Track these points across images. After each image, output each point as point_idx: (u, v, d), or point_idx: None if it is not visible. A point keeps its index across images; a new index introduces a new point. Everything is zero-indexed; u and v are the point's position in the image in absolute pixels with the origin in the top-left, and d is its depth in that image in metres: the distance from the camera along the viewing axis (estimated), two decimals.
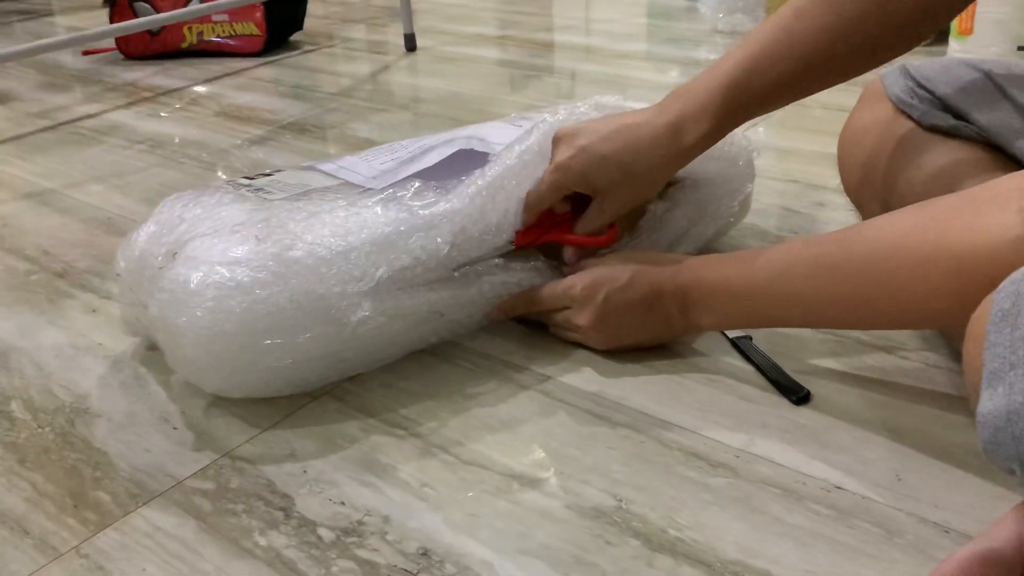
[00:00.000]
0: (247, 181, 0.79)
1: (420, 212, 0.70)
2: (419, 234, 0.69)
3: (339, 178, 0.80)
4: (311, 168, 0.83)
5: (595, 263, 0.74)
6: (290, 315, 0.64)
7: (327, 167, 0.82)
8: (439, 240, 0.69)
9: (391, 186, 0.74)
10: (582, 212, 0.75)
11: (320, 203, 0.72)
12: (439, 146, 0.84)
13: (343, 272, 0.66)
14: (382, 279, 0.67)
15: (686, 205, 0.82)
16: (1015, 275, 0.38)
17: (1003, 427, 0.36)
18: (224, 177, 1.19)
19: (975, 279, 0.50)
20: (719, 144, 0.74)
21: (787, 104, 0.71)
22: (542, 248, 0.77)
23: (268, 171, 0.83)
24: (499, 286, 0.75)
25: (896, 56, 0.67)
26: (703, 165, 0.80)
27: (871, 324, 0.63)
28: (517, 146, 0.75)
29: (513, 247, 0.74)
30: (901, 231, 0.55)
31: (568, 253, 0.76)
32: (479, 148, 0.83)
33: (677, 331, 0.72)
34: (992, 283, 0.42)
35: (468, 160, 0.79)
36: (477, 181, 0.73)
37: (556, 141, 0.73)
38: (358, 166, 0.82)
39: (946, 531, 0.54)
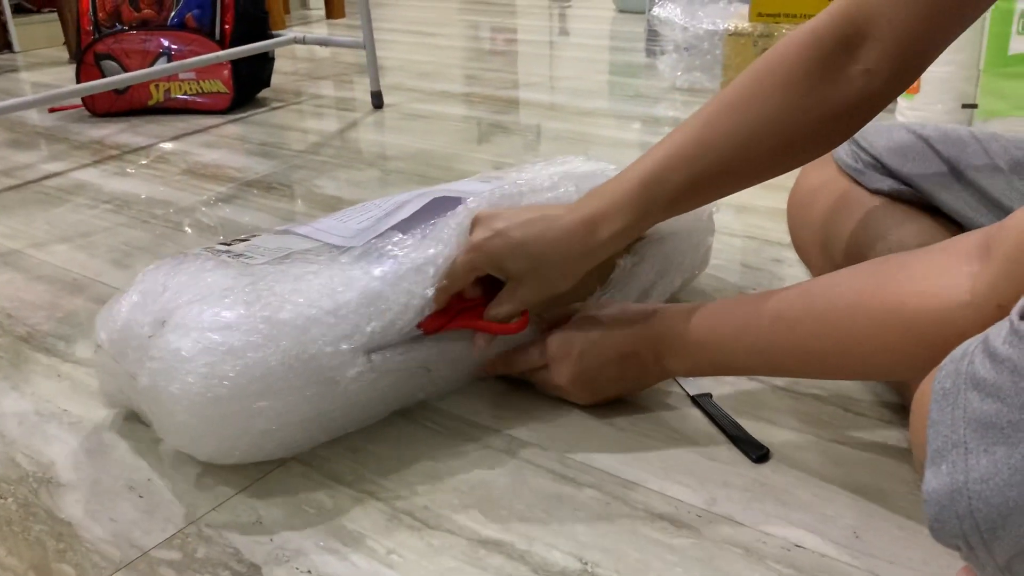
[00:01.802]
0: (224, 247, 0.80)
1: (403, 259, 0.72)
2: (404, 282, 0.70)
3: (317, 240, 0.81)
4: (287, 232, 0.84)
5: (567, 316, 0.76)
6: (283, 376, 0.64)
7: (303, 230, 0.83)
8: (425, 284, 0.70)
9: (372, 240, 0.76)
10: (491, 299, 0.74)
11: (304, 265, 0.73)
12: (412, 199, 0.86)
13: (333, 330, 0.67)
14: (373, 333, 0.68)
15: (653, 258, 0.86)
16: (955, 353, 0.39)
17: (947, 506, 0.37)
18: (189, 231, 1.20)
19: (926, 340, 0.52)
20: None
21: (706, 203, 0.73)
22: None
23: (244, 236, 0.84)
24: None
25: (815, 157, 0.69)
26: (668, 222, 0.81)
27: (829, 375, 0.65)
28: (495, 189, 0.78)
29: (421, 332, 0.72)
30: (858, 289, 0.58)
31: (479, 340, 0.75)
32: (452, 195, 0.84)
33: (653, 378, 0.75)
34: (943, 344, 0.44)
35: (442, 206, 0.80)
36: (451, 222, 0.74)
37: (475, 222, 0.73)
38: (335, 227, 0.83)
39: None
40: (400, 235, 0.75)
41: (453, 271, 0.72)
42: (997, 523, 0.35)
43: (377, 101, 1.89)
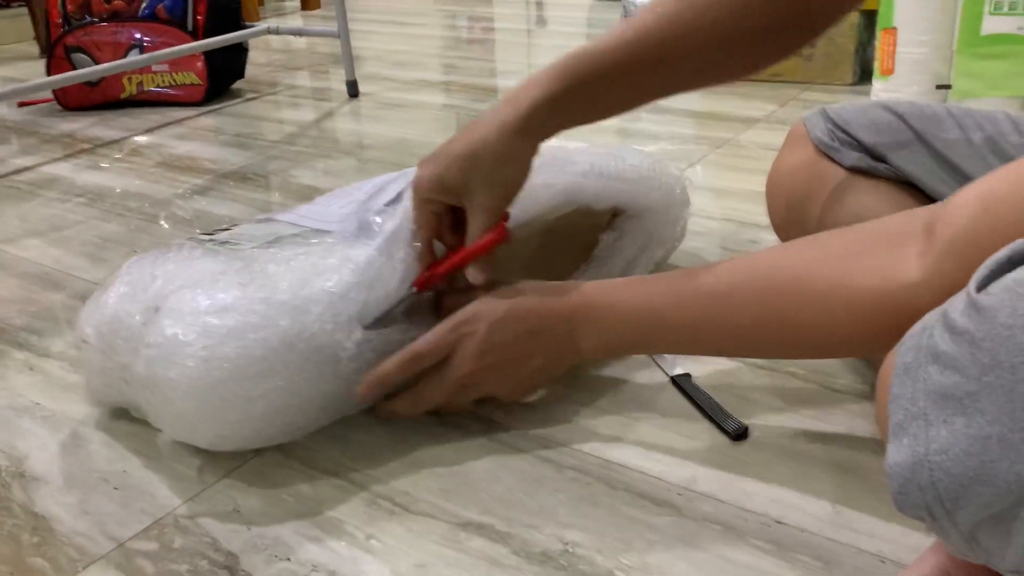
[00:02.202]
0: (207, 237, 0.79)
1: (392, 232, 0.71)
2: (398, 252, 0.69)
3: (301, 225, 0.80)
4: (269, 220, 0.83)
5: (465, 300, 0.69)
6: (284, 357, 0.63)
7: (286, 217, 0.82)
8: (410, 248, 0.70)
9: (359, 222, 0.75)
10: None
11: (294, 248, 0.72)
12: (394, 180, 0.85)
13: (331, 308, 0.66)
14: (368, 305, 0.67)
15: (634, 233, 0.88)
16: (915, 328, 0.40)
17: (910, 478, 0.37)
18: (165, 224, 1.18)
19: (873, 318, 0.53)
20: (656, 177, 0.79)
21: (640, 99, 0.69)
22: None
23: (225, 226, 0.83)
24: None
25: (757, 66, 0.66)
26: (645, 196, 0.86)
27: (765, 353, 0.64)
28: None
29: (416, 292, 0.71)
30: (800, 265, 0.57)
31: (472, 272, 0.70)
32: None
33: (567, 356, 0.69)
34: (890, 322, 0.44)
35: None
36: None
37: (419, 162, 0.71)
38: (318, 213, 0.82)
39: (881, 560, 0.55)
40: (386, 210, 0.75)
41: (414, 218, 0.70)
42: (958, 493, 0.35)
43: (353, 90, 1.88)
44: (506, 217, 0.71)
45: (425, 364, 0.68)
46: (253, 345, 0.62)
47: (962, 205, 0.49)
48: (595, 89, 0.67)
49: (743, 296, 0.59)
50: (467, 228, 0.70)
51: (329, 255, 0.70)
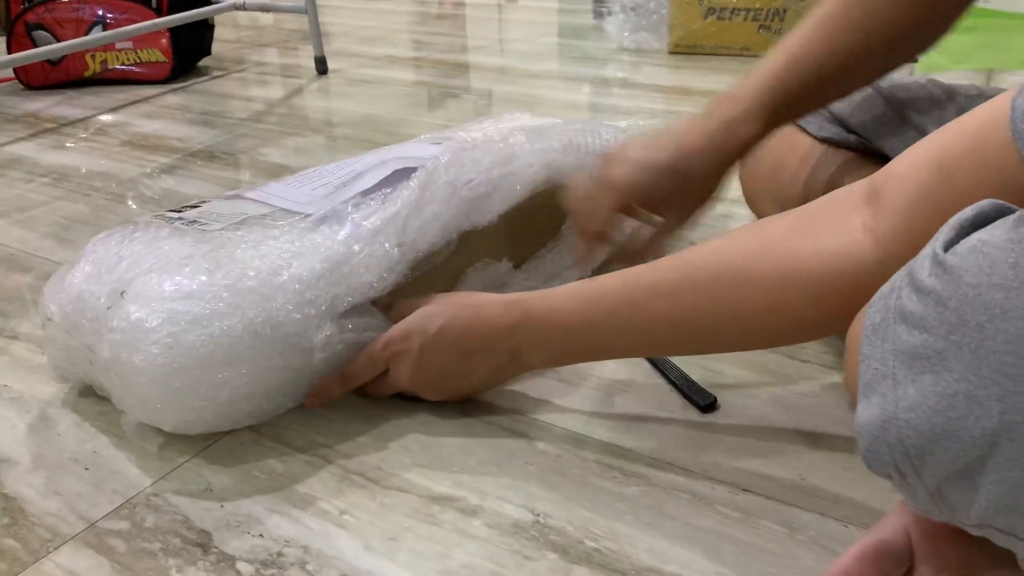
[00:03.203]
0: (175, 214, 0.78)
1: (364, 224, 0.71)
2: (369, 246, 0.69)
3: (272, 205, 0.79)
4: (238, 197, 0.82)
5: (414, 307, 0.69)
6: (249, 345, 0.63)
7: (254, 194, 0.82)
8: (386, 245, 0.70)
9: (332, 206, 0.74)
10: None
11: (263, 230, 0.72)
12: (371, 169, 0.84)
13: (299, 296, 0.66)
14: (337, 299, 0.67)
15: None
16: (884, 289, 0.40)
17: (879, 436, 0.38)
18: (132, 204, 1.17)
19: (832, 301, 0.52)
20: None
21: (836, 99, 0.74)
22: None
23: (194, 203, 0.82)
24: None
25: (929, 45, 0.69)
26: None
27: (720, 348, 0.62)
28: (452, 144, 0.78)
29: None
30: (746, 255, 0.56)
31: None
32: (412, 164, 0.83)
33: (509, 374, 0.69)
34: (852, 302, 0.44)
35: (404, 177, 0.80)
36: (411, 183, 0.74)
37: (608, 161, 0.74)
38: (288, 192, 0.81)
39: (845, 526, 0.57)
40: (360, 199, 0.74)
41: (599, 217, 0.73)
42: (926, 449, 0.36)
43: (321, 67, 1.86)
44: None
45: (358, 384, 0.70)
46: (218, 333, 0.62)
47: (915, 167, 0.48)
48: (799, 112, 0.72)
49: (691, 294, 0.57)
50: (655, 234, 0.75)
51: (298, 240, 0.70)
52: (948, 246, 0.38)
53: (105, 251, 0.70)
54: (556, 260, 0.88)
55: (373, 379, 0.70)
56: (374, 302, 0.70)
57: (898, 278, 0.39)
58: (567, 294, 0.64)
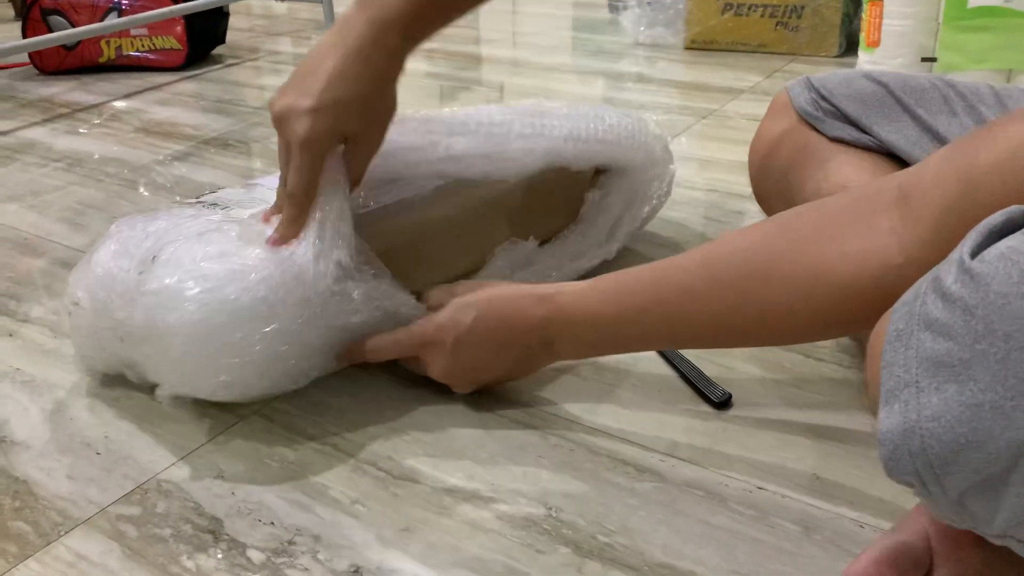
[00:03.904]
0: (193, 200, 0.78)
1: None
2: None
3: None
4: (257, 185, 0.82)
5: (447, 296, 0.69)
6: (282, 299, 0.62)
7: (269, 181, 0.81)
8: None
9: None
10: None
11: None
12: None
13: (326, 258, 0.65)
14: (364, 258, 0.67)
15: (619, 191, 0.90)
16: (907, 295, 0.40)
17: (900, 444, 0.37)
18: (144, 191, 1.17)
19: (858, 303, 0.52)
20: (636, 137, 0.84)
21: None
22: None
23: (210, 190, 0.82)
24: None
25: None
26: (626, 157, 0.88)
27: (746, 345, 0.63)
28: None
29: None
30: (773, 255, 0.56)
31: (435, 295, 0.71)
32: None
33: (541, 364, 0.69)
34: (877, 305, 0.44)
35: None
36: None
37: (278, 121, 0.67)
38: None
39: (861, 526, 0.56)
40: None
41: (314, 168, 0.66)
42: (949, 459, 0.36)
43: None
44: None
45: (382, 360, 0.70)
46: (252, 287, 0.62)
47: (943, 177, 0.49)
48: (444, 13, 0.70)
49: (721, 295, 0.57)
50: (353, 165, 0.69)
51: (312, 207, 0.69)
52: (975, 252, 0.37)
53: (130, 231, 0.70)
54: (579, 241, 0.89)
55: (408, 362, 0.71)
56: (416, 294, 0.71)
57: (923, 284, 0.39)
58: (597, 289, 0.64)
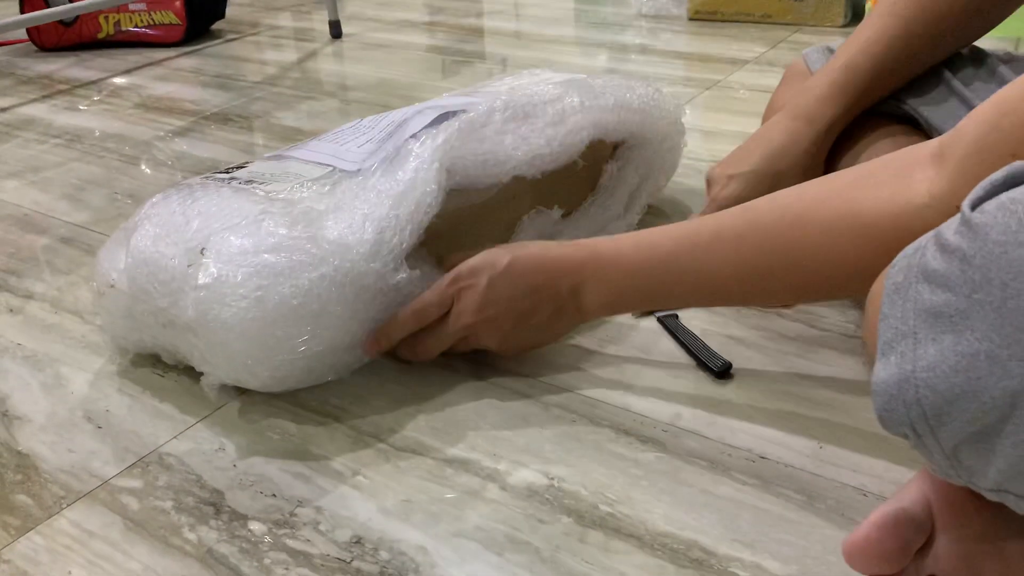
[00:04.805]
0: (225, 175, 0.76)
1: (417, 160, 0.70)
2: (422, 174, 0.69)
3: (324, 164, 0.77)
4: (280, 157, 0.80)
5: (474, 253, 0.69)
6: (336, 295, 0.63)
7: (299, 154, 0.80)
8: (436, 166, 0.69)
9: (384, 158, 0.73)
10: None
11: (327, 188, 0.71)
12: (411, 117, 0.82)
13: (377, 243, 0.65)
14: (411, 238, 0.67)
15: (636, 162, 0.90)
16: (907, 249, 0.39)
17: (895, 395, 0.37)
18: (148, 169, 1.16)
19: (882, 246, 0.51)
20: (659, 107, 0.85)
21: (905, 81, 0.75)
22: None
23: (238, 164, 0.80)
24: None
25: (996, 23, 0.72)
26: (651, 126, 0.89)
27: (773, 296, 0.62)
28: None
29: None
30: (808, 200, 0.56)
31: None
32: (455, 108, 0.82)
33: (569, 315, 0.67)
34: (898, 250, 0.43)
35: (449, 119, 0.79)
36: (462, 116, 0.75)
37: (709, 183, 0.78)
38: (335, 151, 0.79)
39: (864, 494, 0.56)
40: (412, 141, 0.73)
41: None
42: (943, 410, 0.35)
43: (335, 31, 1.84)
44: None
45: (427, 320, 0.68)
46: (307, 284, 0.62)
47: (974, 118, 0.48)
48: (874, 94, 0.74)
49: (752, 236, 0.58)
50: None
51: (364, 192, 0.69)
52: (976, 205, 0.36)
53: (167, 213, 0.68)
54: (600, 213, 0.89)
55: (436, 328, 0.68)
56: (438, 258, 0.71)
57: (925, 238, 0.38)
58: (632, 238, 0.65)
